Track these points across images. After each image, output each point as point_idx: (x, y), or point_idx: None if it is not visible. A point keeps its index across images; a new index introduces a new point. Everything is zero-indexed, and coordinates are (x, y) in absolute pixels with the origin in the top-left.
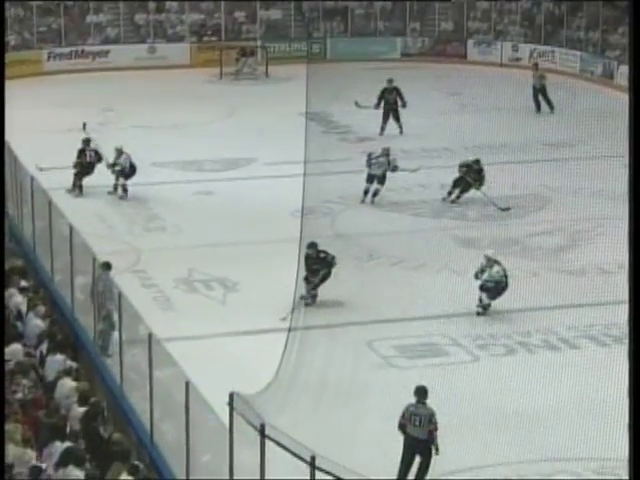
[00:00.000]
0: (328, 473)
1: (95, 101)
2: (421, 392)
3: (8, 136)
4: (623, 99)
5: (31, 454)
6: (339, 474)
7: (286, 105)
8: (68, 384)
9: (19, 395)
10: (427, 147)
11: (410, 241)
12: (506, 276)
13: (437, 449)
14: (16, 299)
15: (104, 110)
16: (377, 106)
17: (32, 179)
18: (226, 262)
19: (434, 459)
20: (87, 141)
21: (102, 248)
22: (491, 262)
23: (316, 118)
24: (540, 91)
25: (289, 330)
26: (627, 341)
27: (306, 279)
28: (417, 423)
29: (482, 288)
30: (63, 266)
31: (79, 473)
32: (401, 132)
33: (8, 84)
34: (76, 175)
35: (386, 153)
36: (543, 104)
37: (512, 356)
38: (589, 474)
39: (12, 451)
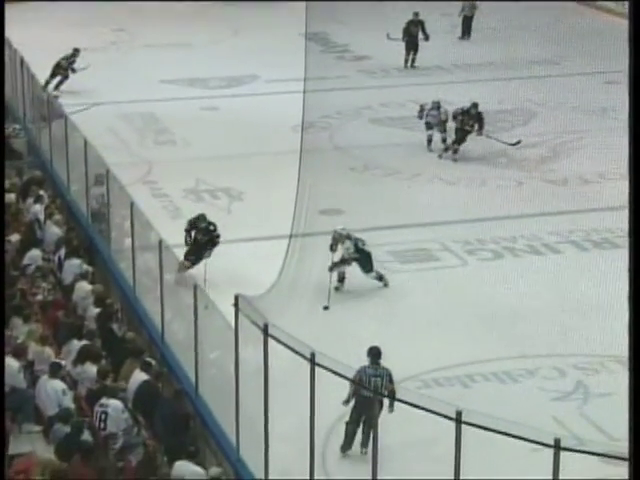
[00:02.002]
0: (327, 369)
1: (108, 22)
2: (375, 352)
3: (26, 54)
4: (605, 19)
5: (50, 352)
6: (337, 370)
7: (286, 26)
8: (84, 287)
9: (39, 297)
10: (421, 65)
11: (403, 153)
12: (358, 250)
13: (392, 407)
14: (35, 208)
15: (116, 30)
16: (403, 39)
17: (48, 95)
18: (231, 173)
19: (423, 355)
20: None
21: (115, 160)
22: (342, 238)
23: (315, 38)
24: (470, 19)
25: (290, 237)
26: (607, 246)
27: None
28: (378, 383)
29: (341, 262)
30: (78, 177)
31: (95, 369)
32: (413, 65)
33: (24, 6)
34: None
35: (437, 106)
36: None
37: (499, 260)
38: (569, 369)
39: (33, 349)
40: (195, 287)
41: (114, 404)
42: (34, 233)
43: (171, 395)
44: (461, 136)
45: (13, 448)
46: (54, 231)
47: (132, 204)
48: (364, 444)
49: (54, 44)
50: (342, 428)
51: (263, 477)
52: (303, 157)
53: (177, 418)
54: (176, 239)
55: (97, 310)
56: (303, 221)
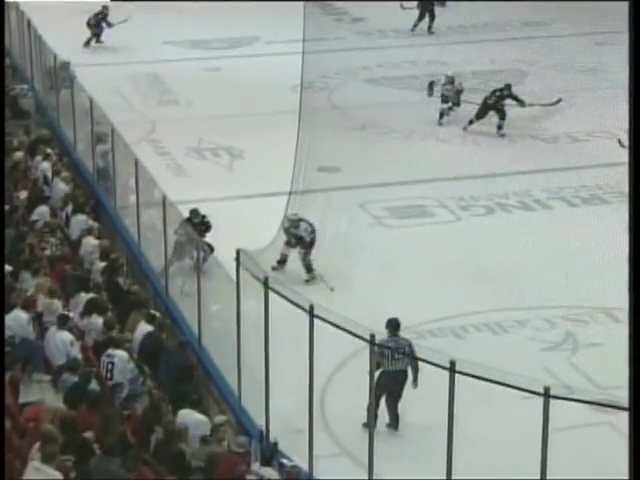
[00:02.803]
0: (325, 321)
1: None
2: (394, 324)
3: (32, 17)
4: None
5: (58, 304)
6: (335, 322)
7: None
8: (91, 242)
9: (47, 252)
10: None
11: (399, 113)
12: (313, 231)
13: (416, 381)
14: (43, 166)
15: None
16: (418, 6)
17: (55, 57)
18: (232, 132)
19: (418, 307)
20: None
21: (120, 119)
22: (295, 222)
23: (313, 1)
24: None
25: (290, 193)
26: (596, 202)
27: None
28: (400, 356)
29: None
30: (84, 136)
31: (101, 321)
32: (430, 31)
33: None
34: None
35: (451, 81)
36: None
37: (491, 216)
38: (559, 320)
39: (42, 301)
40: (197, 242)
41: (120, 354)
42: (42, 190)
43: (175, 346)
44: (501, 115)
45: (23, 396)
46: (61, 188)
47: (136, 162)
48: (394, 426)
49: (59, 6)
50: (340, 377)
51: (264, 424)
52: (302, 116)
53: (181, 368)
54: (179, 196)
55: (103, 264)
56: (302, 178)
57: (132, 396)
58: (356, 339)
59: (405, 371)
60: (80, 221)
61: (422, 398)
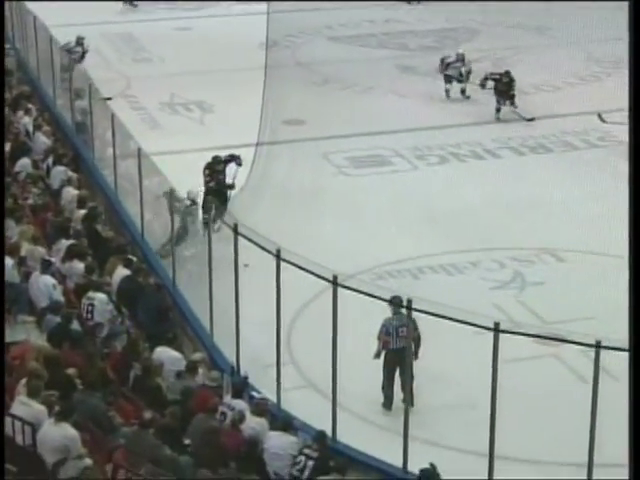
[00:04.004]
0: (291, 263)
1: None
2: (397, 302)
3: None
4: None
5: (41, 250)
6: (301, 264)
7: None
8: (71, 192)
9: (30, 201)
10: None
11: (359, 69)
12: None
13: (417, 355)
14: (24, 120)
15: None
16: None
17: (35, 18)
18: (203, 88)
19: (378, 250)
20: None
21: (96, 76)
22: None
23: None
24: None
25: (257, 145)
26: (541, 150)
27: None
28: (403, 333)
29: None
30: (64, 92)
31: (82, 266)
32: None
33: None
34: None
35: (461, 58)
36: None
37: (445, 164)
38: (507, 261)
39: (25, 247)
40: (171, 190)
41: (100, 297)
42: (24, 143)
43: (151, 288)
44: (510, 101)
45: (9, 336)
46: (43, 141)
47: (113, 116)
48: (410, 401)
49: None
50: (305, 315)
51: (235, 360)
52: (268, 73)
53: (157, 309)
54: (153, 148)
55: (83, 212)
56: (268, 131)
57: (111, 335)
58: (320, 280)
59: (410, 348)
60: (60, 172)
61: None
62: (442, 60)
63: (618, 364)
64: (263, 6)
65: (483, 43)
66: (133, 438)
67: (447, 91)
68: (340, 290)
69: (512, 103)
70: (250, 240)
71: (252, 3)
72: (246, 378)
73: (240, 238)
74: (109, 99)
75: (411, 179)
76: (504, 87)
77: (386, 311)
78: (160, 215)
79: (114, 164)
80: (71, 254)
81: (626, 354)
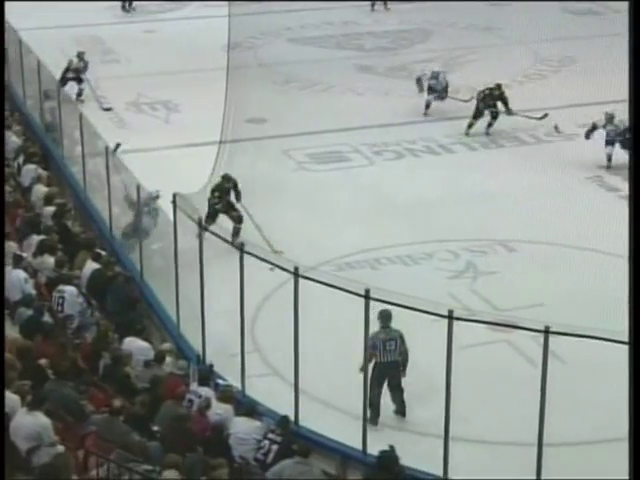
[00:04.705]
0: (254, 256)
1: None
2: (385, 316)
3: None
4: None
5: (13, 245)
6: (264, 257)
7: None
8: (41, 189)
9: None
10: None
11: (319, 69)
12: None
13: (405, 371)
14: None
15: None
16: None
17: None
18: (168, 88)
19: (338, 242)
20: None
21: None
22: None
23: None
24: None
25: (220, 142)
26: (492, 146)
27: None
28: (392, 347)
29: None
30: (33, 93)
31: (52, 260)
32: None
33: None
34: None
35: (435, 76)
36: None
37: (401, 160)
38: (461, 252)
39: None
40: (138, 187)
41: (70, 290)
42: None
43: (119, 281)
44: (480, 113)
45: None
46: (13, 140)
47: (81, 116)
48: (402, 412)
49: None
50: (268, 305)
51: (201, 349)
52: (230, 73)
53: (125, 301)
54: (121, 146)
55: (52, 209)
56: (231, 129)
57: (82, 327)
58: (282, 272)
59: (398, 361)
60: (30, 170)
61: (342, 327)
62: (419, 79)
63: (566, 348)
64: (225, 9)
65: (436, 44)
66: (104, 425)
67: (427, 105)
68: (302, 281)
69: (508, 111)
70: (214, 234)
71: (214, 4)
72: (212, 366)
73: (205, 232)
74: (109, 109)
75: (369, 174)
76: (495, 100)
77: (346, 300)
78: (127, 211)
79: (83, 162)
80: (42, 249)
81: (573, 338)
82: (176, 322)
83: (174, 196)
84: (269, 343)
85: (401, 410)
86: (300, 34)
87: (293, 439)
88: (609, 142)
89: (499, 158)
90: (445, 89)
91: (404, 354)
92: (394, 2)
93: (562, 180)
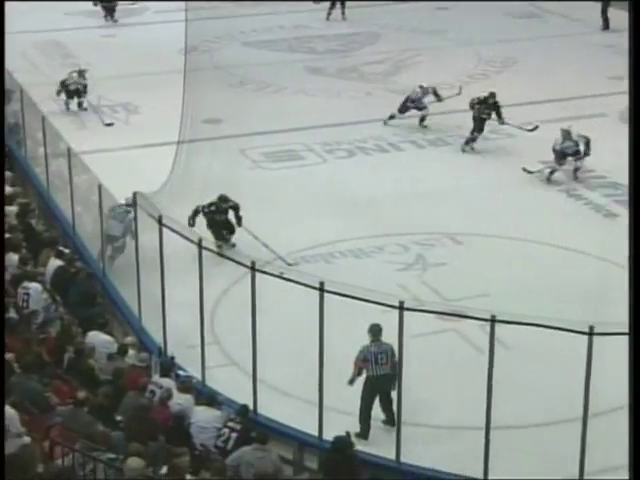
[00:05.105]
0: (212, 251)
1: None
2: (375, 330)
3: None
4: None
5: None
6: (222, 253)
7: None
8: (6, 189)
9: None
10: None
11: (272, 71)
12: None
13: (394, 384)
14: None
15: None
16: None
17: None
18: (128, 91)
19: (292, 238)
20: None
21: (28, 81)
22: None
23: None
24: None
25: (178, 142)
26: (440, 143)
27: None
28: (383, 360)
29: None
30: None
31: (16, 257)
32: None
33: None
34: None
35: (425, 90)
36: None
37: (353, 158)
38: (411, 245)
39: None
40: (99, 187)
41: (34, 286)
42: None
43: (81, 277)
44: (479, 125)
45: None
46: None
47: (43, 118)
48: (391, 422)
49: None
50: (226, 299)
51: (162, 342)
52: (187, 76)
53: (88, 296)
54: (82, 147)
55: (15, 208)
56: (189, 130)
57: (46, 322)
58: (240, 266)
59: (389, 374)
60: None
61: (298, 319)
62: (391, 117)
63: (510, 336)
64: (182, 15)
65: (385, 46)
66: (68, 416)
67: (422, 120)
68: (258, 275)
69: (501, 121)
70: (174, 230)
71: (172, 9)
72: (173, 358)
73: (165, 229)
74: (111, 124)
75: (322, 172)
76: (491, 109)
77: (302, 293)
78: (89, 210)
79: (46, 163)
80: (7, 247)
81: (517, 326)
82: (138, 316)
83: (134, 195)
84: (228, 335)
85: (390, 420)
86: (254, 38)
87: (252, 427)
88: (565, 156)
89: (446, 155)
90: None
91: (395, 367)
92: (348, 9)
93: (506, 176)
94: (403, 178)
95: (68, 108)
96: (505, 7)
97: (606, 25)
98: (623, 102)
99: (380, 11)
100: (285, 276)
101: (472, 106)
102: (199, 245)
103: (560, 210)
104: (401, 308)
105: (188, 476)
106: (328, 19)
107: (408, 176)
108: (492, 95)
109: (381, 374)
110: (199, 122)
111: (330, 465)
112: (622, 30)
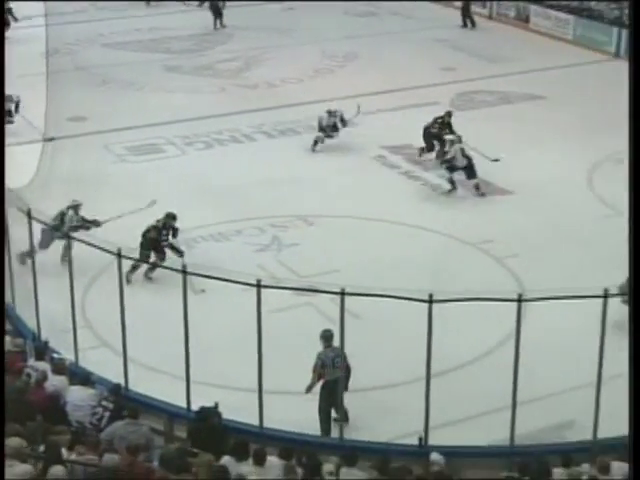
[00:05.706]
0: (80, 241)
1: None
2: (327, 335)
3: None
4: None
5: None
6: (89, 241)
7: None
8: None
9: None
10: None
11: (132, 70)
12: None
13: (347, 386)
14: None
15: None
16: (210, 7)
17: None
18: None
19: None
20: None
21: None
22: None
23: None
24: None
25: (44, 140)
26: (290, 133)
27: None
28: (338, 364)
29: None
30: None
31: None
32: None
33: None
34: None
35: (333, 115)
36: None
37: (210, 149)
38: (267, 227)
39: None
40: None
41: None
42: None
43: None
44: (437, 142)
45: None
46: None
47: None
48: (344, 419)
49: None
50: (96, 285)
51: (36, 327)
52: (50, 77)
53: None
54: None
55: None
56: (53, 127)
57: None
58: (107, 254)
59: (341, 376)
60: None
61: (162, 300)
62: (315, 142)
63: (359, 307)
64: (42, 20)
65: (236, 45)
66: None
67: (315, 141)
68: (125, 261)
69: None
70: (43, 223)
71: (32, 18)
72: (47, 342)
73: (33, 221)
74: (52, 139)
75: (182, 163)
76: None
77: (166, 277)
78: None
79: None
80: None
81: (365, 298)
82: (12, 304)
83: None
84: (98, 319)
85: (344, 417)
86: (112, 40)
87: (124, 404)
88: (454, 168)
89: (296, 144)
90: (335, 127)
91: (347, 369)
92: (190, 6)
93: (351, 161)
94: (257, 166)
95: None
96: (345, 7)
97: (470, 24)
98: (454, 90)
99: (231, 12)
100: (151, 261)
101: (432, 126)
102: (67, 236)
103: (401, 191)
104: (259, 286)
105: (64, 451)
106: (215, 29)
107: (261, 164)
108: (448, 114)
109: (336, 378)
110: (64, 120)
111: (196, 433)
112: (452, 27)
